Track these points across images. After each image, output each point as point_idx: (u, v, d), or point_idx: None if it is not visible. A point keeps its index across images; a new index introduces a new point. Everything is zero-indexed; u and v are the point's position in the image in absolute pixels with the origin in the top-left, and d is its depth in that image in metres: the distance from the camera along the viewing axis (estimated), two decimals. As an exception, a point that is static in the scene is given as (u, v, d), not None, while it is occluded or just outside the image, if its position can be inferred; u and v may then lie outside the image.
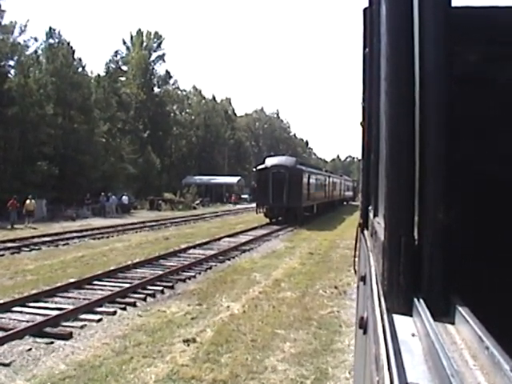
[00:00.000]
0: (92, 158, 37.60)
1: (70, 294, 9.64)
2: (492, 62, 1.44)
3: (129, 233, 22.35)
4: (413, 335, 0.94)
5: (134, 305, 9.11)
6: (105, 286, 10.43)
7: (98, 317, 8.17)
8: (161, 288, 10.34)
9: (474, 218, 1.38)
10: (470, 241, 1.33)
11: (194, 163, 65.16)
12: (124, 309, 8.79)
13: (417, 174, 1.08)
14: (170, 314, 8.60)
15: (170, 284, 10.77)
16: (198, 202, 47.88)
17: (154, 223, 26.96)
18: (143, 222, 27.10)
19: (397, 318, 1.03)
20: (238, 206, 48.52)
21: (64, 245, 17.52)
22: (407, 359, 0.82)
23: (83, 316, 8.13)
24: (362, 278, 2.34)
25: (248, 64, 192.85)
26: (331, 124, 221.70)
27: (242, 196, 60.29)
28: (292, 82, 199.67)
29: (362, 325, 1.56)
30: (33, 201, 25.60)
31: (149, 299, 9.65)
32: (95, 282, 10.66)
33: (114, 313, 8.48)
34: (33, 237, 18.86)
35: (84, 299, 9.19)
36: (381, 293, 1.14)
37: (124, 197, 36.53)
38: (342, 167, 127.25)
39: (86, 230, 22.08)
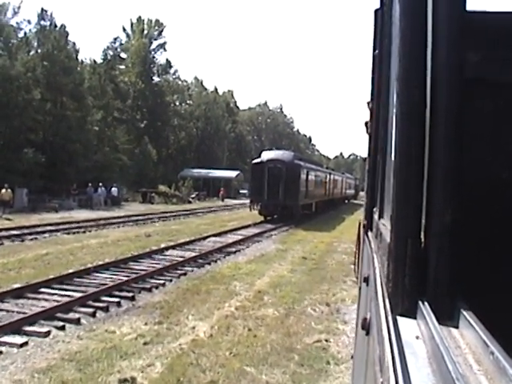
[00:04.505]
0: (83, 147, 35.83)
1: (4, 306, 7.96)
2: (506, 67, 1.41)
3: (110, 227, 20.64)
4: (417, 338, 0.92)
5: (77, 322, 7.41)
6: (52, 295, 8.73)
7: (23, 339, 6.47)
8: (117, 300, 8.64)
9: (482, 221, 1.34)
10: (476, 244, 1.30)
11: (192, 156, 63.22)
12: (62, 328, 7.08)
13: (425, 176, 1.05)
14: (119, 337, 6.91)
15: (131, 294, 9.07)
16: (193, 195, 46.11)
17: (140, 217, 25.27)
18: (129, 216, 25.45)
19: (401, 320, 1.01)
20: (235, 202, 46.56)
21: (31, 239, 15.82)
22: (411, 361, 0.81)
23: (4, 339, 6.44)
24: (365, 280, 2.21)
25: (252, 57, 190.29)
26: (335, 121, 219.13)
27: (241, 191, 58.48)
28: (297, 77, 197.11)
29: (365, 326, 1.53)
30: (9, 190, 23.83)
31: (99, 314, 7.95)
32: (42, 290, 8.95)
33: (47, 334, 6.78)
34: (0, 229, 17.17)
35: (18, 313, 7.52)
36: (385, 294, 1.13)
37: (113, 188, 34.63)
38: (345, 165, 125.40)
39: (64, 224, 20.39)
